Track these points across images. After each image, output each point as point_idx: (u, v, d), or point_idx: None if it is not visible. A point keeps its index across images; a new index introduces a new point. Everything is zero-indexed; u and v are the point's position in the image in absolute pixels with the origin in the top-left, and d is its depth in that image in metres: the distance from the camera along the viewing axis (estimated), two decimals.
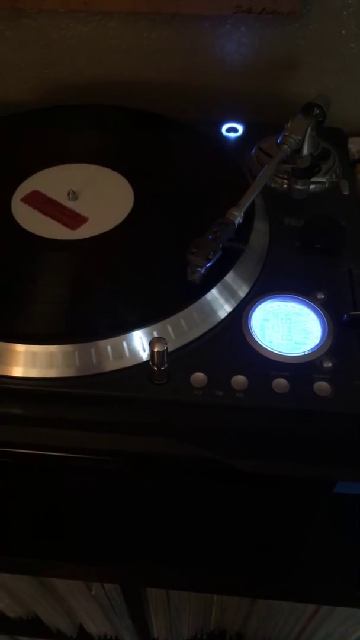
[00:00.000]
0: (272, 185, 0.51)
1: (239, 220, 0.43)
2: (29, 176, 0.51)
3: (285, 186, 0.50)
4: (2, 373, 0.38)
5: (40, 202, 0.49)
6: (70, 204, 0.48)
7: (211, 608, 0.61)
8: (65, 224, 0.47)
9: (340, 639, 0.60)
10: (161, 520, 0.41)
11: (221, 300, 0.41)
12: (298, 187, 0.49)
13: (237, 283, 0.42)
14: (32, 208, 0.48)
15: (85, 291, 0.42)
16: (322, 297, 0.42)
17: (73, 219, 0.47)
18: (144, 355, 0.38)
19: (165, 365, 0.36)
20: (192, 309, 0.40)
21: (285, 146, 0.48)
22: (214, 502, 0.41)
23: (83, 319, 0.40)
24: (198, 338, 0.39)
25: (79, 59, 0.64)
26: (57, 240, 0.45)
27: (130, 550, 0.40)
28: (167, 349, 0.35)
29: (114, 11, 0.60)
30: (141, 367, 0.38)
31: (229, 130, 0.58)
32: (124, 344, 0.38)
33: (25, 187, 0.50)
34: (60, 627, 0.71)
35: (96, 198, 0.49)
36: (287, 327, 0.40)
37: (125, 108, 0.58)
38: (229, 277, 0.42)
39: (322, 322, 0.40)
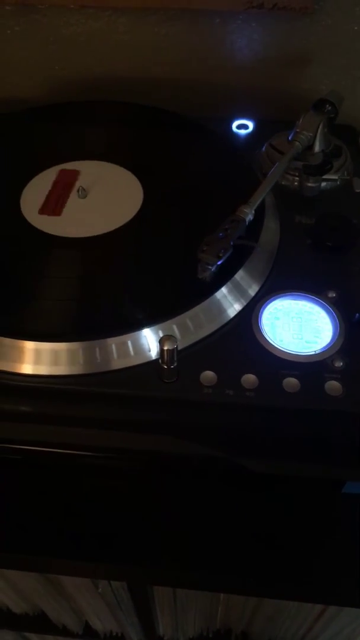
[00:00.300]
0: (283, 183, 0.50)
1: (249, 217, 0.42)
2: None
3: (296, 183, 0.50)
4: (10, 370, 0.38)
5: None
6: (80, 201, 0.48)
7: (217, 607, 0.61)
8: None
9: (348, 639, 0.60)
10: (169, 518, 0.41)
11: (231, 299, 0.41)
12: (309, 184, 0.48)
13: (247, 281, 0.42)
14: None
15: (94, 289, 0.42)
16: (334, 295, 0.41)
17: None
18: (153, 353, 0.38)
19: (175, 364, 0.36)
20: (202, 308, 0.39)
21: (297, 143, 0.47)
22: (223, 501, 0.41)
23: (92, 317, 0.40)
24: (208, 336, 0.39)
25: (89, 54, 0.64)
26: (65, 237, 0.45)
27: (138, 548, 0.40)
28: (177, 347, 0.35)
29: (124, 7, 0.59)
30: (150, 366, 0.38)
31: (239, 127, 0.57)
32: (133, 342, 0.38)
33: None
34: (66, 623, 0.71)
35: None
36: (298, 326, 0.40)
37: (134, 104, 0.58)
38: (239, 276, 0.41)
39: (333, 321, 0.40)
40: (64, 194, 0.49)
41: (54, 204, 0.47)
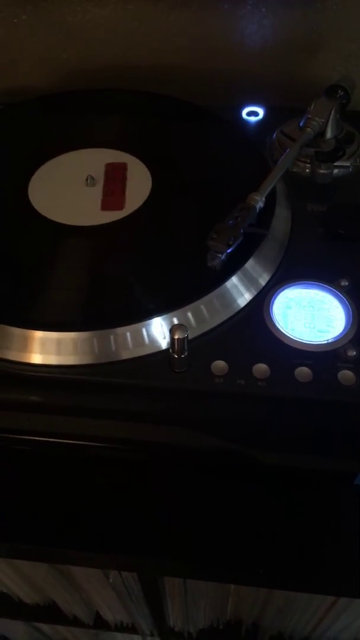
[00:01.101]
0: (295, 170, 0.49)
1: (260, 205, 0.42)
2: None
3: (307, 171, 0.49)
4: (21, 360, 0.38)
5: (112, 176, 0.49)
6: (88, 189, 0.48)
7: (228, 598, 0.61)
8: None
9: (357, 632, 0.60)
10: (180, 510, 0.40)
11: (241, 288, 0.40)
12: (321, 171, 0.47)
13: (257, 270, 0.41)
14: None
15: (103, 278, 0.42)
16: (346, 284, 0.40)
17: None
18: (163, 343, 0.38)
19: (186, 353, 0.35)
20: (212, 296, 0.39)
21: (309, 129, 0.47)
22: (234, 493, 0.41)
23: (101, 306, 0.40)
24: (218, 326, 0.39)
25: (96, 42, 0.63)
26: (75, 226, 0.45)
27: (149, 539, 0.40)
28: (187, 336, 0.35)
29: None
30: (160, 355, 0.37)
31: (249, 113, 0.56)
32: (143, 331, 0.38)
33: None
34: (77, 614, 0.71)
35: None
36: (310, 315, 0.39)
37: (143, 92, 0.57)
38: (250, 264, 0.41)
39: (346, 310, 0.39)
40: (119, 186, 0.48)
41: (117, 198, 0.47)
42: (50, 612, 0.71)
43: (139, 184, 0.48)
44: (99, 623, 0.73)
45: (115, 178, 0.48)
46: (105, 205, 0.46)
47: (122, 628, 0.73)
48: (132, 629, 0.73)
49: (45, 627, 0.77)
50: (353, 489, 0.39)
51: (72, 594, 0.64)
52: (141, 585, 0.56)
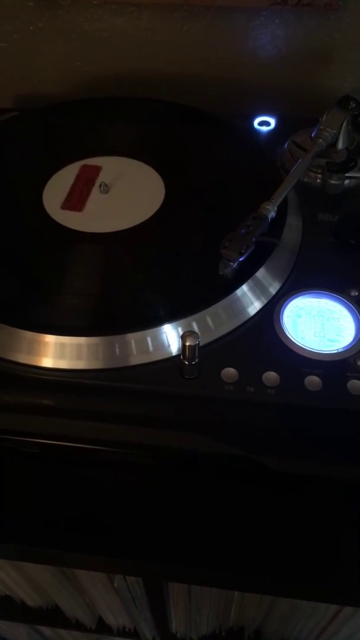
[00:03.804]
0: (306, 180, 0.50)
1: (272, 214, 0.42)
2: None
3: (319, 181, 0.49)
4: (32, 363, 0.38)
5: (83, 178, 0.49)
6: (102, 197, 0.48)
7: (231, 605, 0.61)
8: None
9: None
10: (186, 515, 0.40)
11: (252, 296, 0.40)
12: (333, 181, 0.48)
13: (268, 279, 0.42)
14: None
15: (115, 284, 0.42)
16: (356, 294, 0.41)
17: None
18: (174, 349, 0.38)
19: (197, 360, 0.36)
20: (223, 304, 0.39)
21: (320, 140, 0.47)
22: (240, 499, 0.41)
23: (113, 312, 0.40)
24: (229, 333, 0.39)
25: (111, 51, 0.64)
26: (87, 232, 0.45)
27: (155, 544, 0.40)
28: (199, 343, 0.35)
29: (147, 3, 0.59)
30: (171, 362, 0.38)
31: (261, 123, 0.57)
32: (154, 337, 0.38)
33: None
34: (80, 617, 0.71)
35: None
36: (320, 324, 0.40)
37: (157, 100, 0.58)
38: (260, 273, 0.41)
39: (355, 320, 0.39)
40: (86, 189, 0.49)
41: (76, 199, 0.48)
42: (52, 616, 0.71)
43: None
44: (102, 627, 0.73)
45: (83, 178, 0.50)
46: (65, 205, 0.47)
47: (124, 633, 0.73)
48: (134, 634, 0.73)
49: (47, 631, 0.77)
50: None
51: (76, 597, 0.64)
52: (145, 591, 0.56)
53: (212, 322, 0.39)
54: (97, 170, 0.51)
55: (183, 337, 0.35)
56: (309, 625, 0.60)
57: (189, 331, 0.35)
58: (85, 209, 0.47)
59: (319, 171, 0.49)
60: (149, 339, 0.38)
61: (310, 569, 0.39)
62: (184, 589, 0.56)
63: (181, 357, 0.36)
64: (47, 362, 0.38)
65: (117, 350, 0.38)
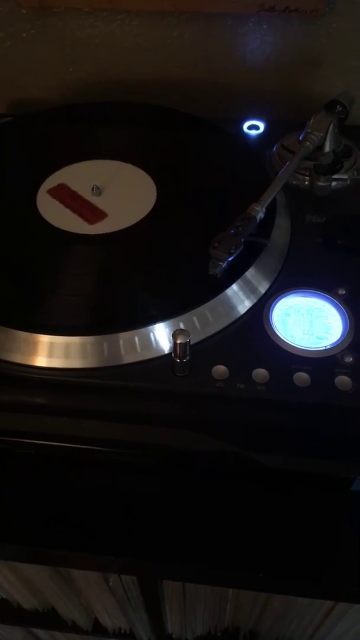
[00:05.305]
0: (294, 182, 0.51)
1: (260, 215, 0.43)
2: (55, 172, 0.52)
3: (307, 183, 0.50)
4: (26, 362, 0.39)
5: (64, 196, 0.49)
6: (94, 199, 0.49)
7: (226, 604, 0.61)
8: (85, 219, 0.47)
9: (356, 637, 0.60)
10: (180, 513, 0.41)
11: (242, 295, 0.41)
12: (320, 183, 0.49)
13: (257, 279, 0.42)
14: (55, 201, 0.49)
15: (108, 284, 0.43)
16: (344, 292, 0.42)
17: (93, 214, 0.48)
18: (165, 347, 0.39)
19: (188, 358, 0.36)
20: (214, 303, 0.40)
21: (308, 143, 0.48)
22: (233, 496, 0.41)
23: (105, 311, 0.41)
24: (219, 331, 0.40)
25: (103, 57, 0.65)
26: (81, 234, 0.46)
27: (150, 542, 0.40)
28: (190, 341, 0.36)
29: (137, 10, 0.60)
30: (163, 360, 0.38)
31: (250, 127, 0.58)
32: (146, 336, 0.39)
33: (51, 183, 0.51)
34: (76, 619, 0.71)
35: (120, 193, 0.50)
36: (309, 322, 0.40)
37: (148, 105, 0.59)
38: (250, 273, 0.42)
39: (343, 318, 0.40)
40: (81, 201, 0.49)
41: (89, 213, 0.48)
42: (48, 618, 0.71)
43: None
44: (97, 629, 0.73)
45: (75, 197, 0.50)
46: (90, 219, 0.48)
47: (120, 635, 0.73)
48: (130, 636, 0.73)
49: (43, 634, 0.77)
50: (351, 494, 0.40)
51: (72, 598, 0.64)
52: (140, 590, 0.56)
53: (203, 321, 0.40)
54: (63, 186, 0.51)
55: (174, 335, 0.35)
56: (303, 623, 0.60)
57: (180, 329, 0.36)
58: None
59: (307, 173, 0.50)
60: (141, 338, 0.38)
61: (304, 565, 0.39)
62: (179, 588, 0.56)
63: (173, 355, 0.37)
64: (41, 361, 0.39)
65: (110, 349, 0.38)
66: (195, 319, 0.39)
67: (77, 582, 0.59)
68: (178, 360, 0.36)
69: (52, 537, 0.41)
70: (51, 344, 0.39)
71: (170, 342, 0.38)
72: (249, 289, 0.42)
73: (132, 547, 0.40)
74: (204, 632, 0.70)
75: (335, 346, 0.39)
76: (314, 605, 0.55)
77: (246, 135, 0.57)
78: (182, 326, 0.39)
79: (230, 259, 0.40)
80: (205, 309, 0.40)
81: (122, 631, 0.73)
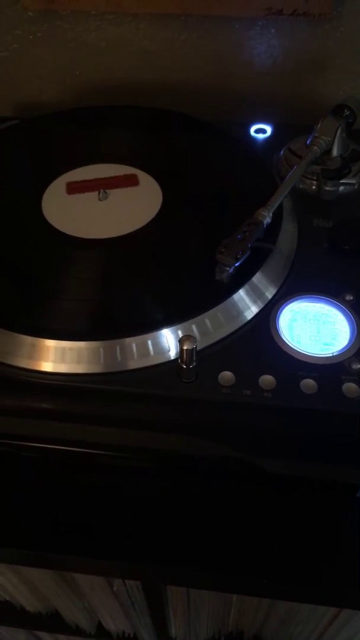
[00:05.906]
0: (301, 187, 0.51)
1: (267, 220, 0.43)
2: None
3: (314, 187, 0.50)
4: (30, 367, 0.39)
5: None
6: (101, 203, 0.49)
7: (230, 609, 0.61)
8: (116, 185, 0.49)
9: None
10: (185, 518, 0.41)
11: (248, 301, 0.41)
12: (327, 188, 0.48)
13: (264, 284, 0.42)
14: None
15: (114, 289, 0.43)
16: (351, 298, 0.41)
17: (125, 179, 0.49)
18: (172, 353, 0.39)
19: (194, 364, 0.36)
20: (220, 309, 0.40)
21: (315, 147, 0.48)
22: (238, 502, 0.41)
23: (112, 316, 0.41)
24: (226, 337, 0.40)
25: (109, 60, 0.65)
26: (86, 239, 0.46)
27: (153, 547, 0.40)
28: (196, 347, 0.35)
29: (144, 13, 0.60)
30: (169, 365, 0.38)
31: (257, 131, 0.58)
32: (152, 341, 0.38)
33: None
34: (79, 623, 0.71)
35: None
36: (316, 328, 0.40)
37: (155, 109, 0.59)
38: (256, 278, 0.42)
39: (350, 324, 0.40)
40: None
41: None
42: (52, 621, 0.71)
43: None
44: (101, 633, 0.73)
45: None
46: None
47: (123, 638, 0.73)
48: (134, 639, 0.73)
49: (47, 637, 0.77)
50: (357, 499, 0.40)
51: (76, 602, 0.64)
52: (144, 595, 0.56)
53: (210, 326, 0.39)
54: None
55: (181, 341, 0.35)
56: (307, 628, 0.60)
57: (187, 335, 0.36)
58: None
59: (314, 178, 0.50)
60: (147, 344, 0.38)
61: (308, 571, 0.39)
62: (183, 593, 0.56)
63: (179, 360, 0.36)
64: (47, 366, 0.39)
65: (116, 354, 0.38)
66: (201, 324, 0.39)
67: (80, 586, 0.59)
68: (184, 366, 0.36)
69: (56, 541, 0.41)
70: (57, 349, 0.38)
71: (176, 348, 0.38)
72: (256, 294, 0.41)
73: (136, 552, 0.40)
74: (207, 637, 0.69)
75: (343, 352, 0.38)
76: (319, 611, 0.55)
77: (253, 139, 0.57)
78: (188, 332, 0.39)
79: (237, 264, 0.40)
80: (211, 314, 0.39)
81: (126, 635, 0.72)
